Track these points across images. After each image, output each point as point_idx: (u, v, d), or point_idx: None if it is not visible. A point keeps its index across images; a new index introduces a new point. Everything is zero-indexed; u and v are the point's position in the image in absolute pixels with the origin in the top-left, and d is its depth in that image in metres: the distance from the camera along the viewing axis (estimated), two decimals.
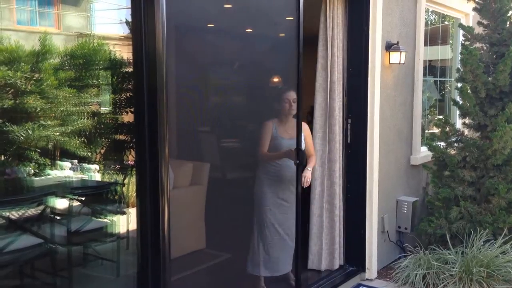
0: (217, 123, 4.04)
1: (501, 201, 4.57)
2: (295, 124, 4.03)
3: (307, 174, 4.01)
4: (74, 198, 3.67)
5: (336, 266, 4.70)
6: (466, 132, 5.06)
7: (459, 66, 5.04)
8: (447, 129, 5.03)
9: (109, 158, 3.69)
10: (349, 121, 4.68)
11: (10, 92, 2.89)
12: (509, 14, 4.90)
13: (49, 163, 3.25)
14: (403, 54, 4.84)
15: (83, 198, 3.81)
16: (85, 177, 3.63)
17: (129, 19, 2.86)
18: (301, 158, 3.91)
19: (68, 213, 3.57)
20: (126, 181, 3.67)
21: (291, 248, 4.14)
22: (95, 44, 3.35)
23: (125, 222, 3.72)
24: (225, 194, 3.95)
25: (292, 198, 4.08)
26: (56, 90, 3.05)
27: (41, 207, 3.32)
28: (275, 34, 4.29)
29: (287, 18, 4.02)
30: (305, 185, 4.01)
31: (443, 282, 4.22)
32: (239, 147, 7.23)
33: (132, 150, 3.27)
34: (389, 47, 4.80)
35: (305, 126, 4.14)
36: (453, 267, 4.22)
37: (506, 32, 4.85)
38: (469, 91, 4.84)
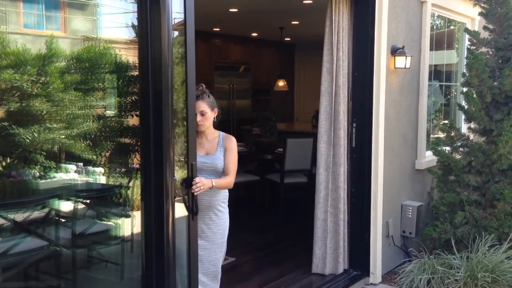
0: None
1: (506, 206, 4.54)
2: (219, 139, 3.45)
3: (203, 181, 3.00)
4: (79, 201, 3.68)
5: (341, 271, 4.70)
6: (471, 136, 5.04)
7: (464, 71, 5.03)
8: (453, 134, 5.02)
9: (114, 161, 3.69)
10: (354, 125, 4.68)
11: (16, 95, 2.90)
12: None
13: (55, 166, 3.26)
14: (409, 58, 4.84)
15: (88, 201, 3.82)
16: (90, 180, 3.63)
17: (135, 23, 2.86)
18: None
19: (73, 216, 3.58)
20: (130, 184, 3.67)
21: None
22: (101, 48, 3.36)
23: (129, 225, 3.72)
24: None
25: (211, 229, 3.42)
26: (62, 93, 3.06)
27: (46, 210, 3.33)
28: None
29: None
30: (195, 191, 2.94)
31: (447, 287, 4.20)
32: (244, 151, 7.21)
33: (137, 153, 3.28)
34: (395, 51, 4.80)
35: (229, 139, 3.49)
36: (458, 272, 4.19)
37: None
38: (474, 95, 4.83)
